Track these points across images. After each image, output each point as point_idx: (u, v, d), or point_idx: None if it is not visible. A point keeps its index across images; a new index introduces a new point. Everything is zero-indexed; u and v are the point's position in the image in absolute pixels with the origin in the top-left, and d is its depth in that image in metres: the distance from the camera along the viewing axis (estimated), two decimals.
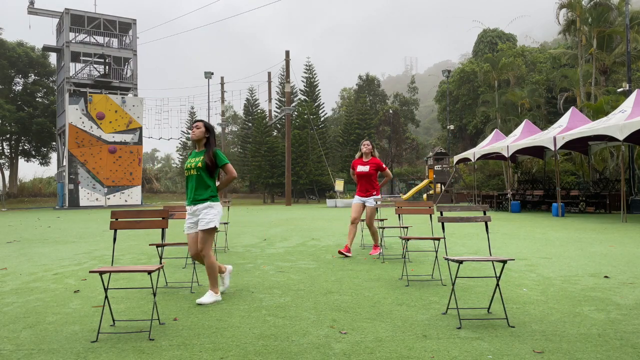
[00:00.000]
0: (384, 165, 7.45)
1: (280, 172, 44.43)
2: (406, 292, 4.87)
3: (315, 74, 49.98)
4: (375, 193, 7.34)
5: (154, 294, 3.75)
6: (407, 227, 7.53)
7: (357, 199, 7.43)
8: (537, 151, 20.99)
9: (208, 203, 4.48)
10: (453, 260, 3.81)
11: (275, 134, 51.42)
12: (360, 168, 7.37)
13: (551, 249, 8.07)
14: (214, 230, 4.42)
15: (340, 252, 7.32)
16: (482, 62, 44.15)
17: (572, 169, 27.96)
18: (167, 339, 3.44)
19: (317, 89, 49.84)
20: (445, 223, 4.30)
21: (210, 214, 4.44)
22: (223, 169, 4.63)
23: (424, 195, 34.39)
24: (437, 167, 32.58)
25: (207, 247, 4.41)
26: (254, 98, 56.76)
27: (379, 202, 7.44)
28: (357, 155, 7.59)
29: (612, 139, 15.61)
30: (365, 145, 7.45)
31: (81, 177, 35.24)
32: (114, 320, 3.88)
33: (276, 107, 51.68)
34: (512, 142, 19.94)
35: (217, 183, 4.70)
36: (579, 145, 18.81)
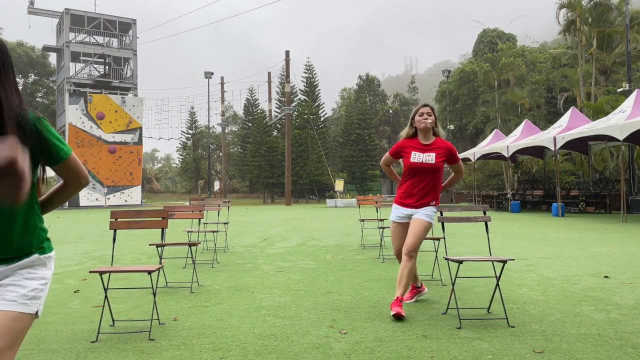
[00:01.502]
0: (457, 154, 4.39)
1: (280, 172, 44.43)
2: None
3: (315, 74, 49.99)
4: (433, 202, 4.25)
5: (154, 294, 3.75)
6: None
7: (398, 213, 4.30)
8: (537, 151, 20.99)
9: (35, 258, 1.73)
10: (453, 260, 3.81)
11: (275, 134, 51.42)
12: (419, 157, 4.18)
13: (551, 249, 8.07)
14: (34, 317, 1.71)
15: (396, 315, 3.84)
16: (482, 62, 44.15)
17: (572, 169, 27.96)
18: (167, 339, 3.44)
19: (317, 89, 49.84)
20: (445, 223, 4.29)
21: (36, 279, 1.73)
22: (63, 168, 1.78)
23: None
24: None
25: (14, 348, 1.62)
26: (254, 98, 56.79)
27: (433, 217, 4.26)
28: (406, 133, 4.35)
29: (612, 139, 15.60)
30: (427, 115, 4.21)
31: None
32: (113, 320, 3.88)
33: (276, 107, 51.69)
34: (512, 142, 19.95)
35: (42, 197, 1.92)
36: (579, 145, 18.81)
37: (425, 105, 4.28)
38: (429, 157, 4.17)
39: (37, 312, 1.72)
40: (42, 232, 1.77)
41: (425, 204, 4.20)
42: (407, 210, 4.23)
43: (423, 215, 4.17)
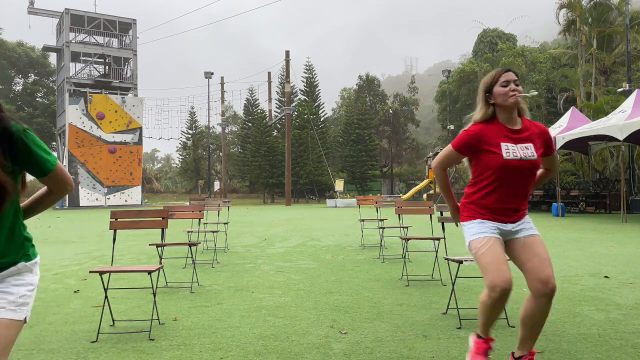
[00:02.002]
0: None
1: (280, 172, 44.42)
2: (406, 292, 4.87)
3: (315, 74, 50.00)
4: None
5: (154, 294, 3.75)
6: (407, 227, 7.53)
7: (490, 227, 2.73)
8: None
9: (21, 266, 1.73)
10: (453, 260, 3.81)
11: (275, 134, 51.42)
12: (514, 150, 2.67)
13: (551, 249, 8.07)
14: (22, 323, 1.72)
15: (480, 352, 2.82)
16: (482, 62, 44.17)
17: (572, 169, 27.94)
18: (167, 339, 3.44)
19: (317, 89, 49.85)
20: (445, 223, 4.30)
21: (23, 285, 1.73)
22: (50, 179, 1.76)
23: (424, 195, 34.40)
24: None
25: (5, 355, 1.66)
26: (254, 98, 56.80)
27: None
28: (483, 114, 2.74)
29: (612, 139, 15.60)
30: (515, 84, 2.67)
31: (81, 177, 35.23)
32: (113, 320, 3.88)
33: (276, 107, 51.69)
34: None
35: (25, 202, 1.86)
36: (579, 145, 18.81)
37: (508, 70, 2.68)
38: (528, 150, 2.66)
39: (25, 319, 1.71)
40: (26, 240, 1.75)
41: (524, 214, 2.79)
42: (503, 226, 2.71)
43: (534, 229, 2.76)
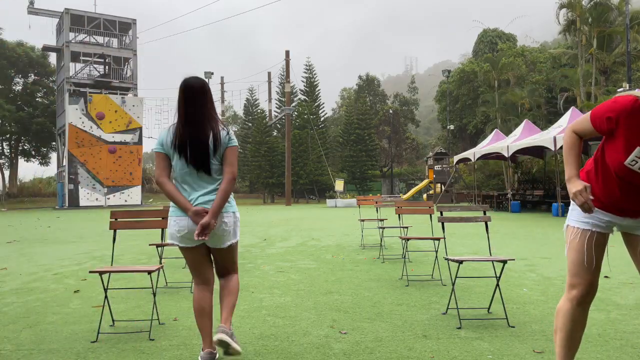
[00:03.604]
0: None
1: (280, 172, 44.41)
2: (406, 292, 4.87)
3: (315, 74, 49.98)
4: None
5: (154, 294, 3.75)
6: (407, 227, 7.53)
7: (598, 217, 2.33)
8: (537, 151, 21.00)
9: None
10: (453, 260, 3.81)
11: (275, 134, 51.43)
12: None
13: (551, 249, 8.07)
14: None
15: None
16: (482, 62, 44.15)
17: None
18: (167, 339, 3.44)
19: (317, 89, 49.83)
20: (445, 223, 4.30)
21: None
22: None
23: (424, 195, 34.40)
24: (437, 167, 32.59)
25: None
26: (254, 98, 56.83)
27: None
28: None
29: None
30: None
31: (81, 177, 35.22)
32: (113, 321, 3.88)
33: (276, 107, 51.69)
34: (512, 142, 19.95)
35: None
36: None
37: None
38: None
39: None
40: None
41: None
42: (617, 219, 2.33)
43: None
